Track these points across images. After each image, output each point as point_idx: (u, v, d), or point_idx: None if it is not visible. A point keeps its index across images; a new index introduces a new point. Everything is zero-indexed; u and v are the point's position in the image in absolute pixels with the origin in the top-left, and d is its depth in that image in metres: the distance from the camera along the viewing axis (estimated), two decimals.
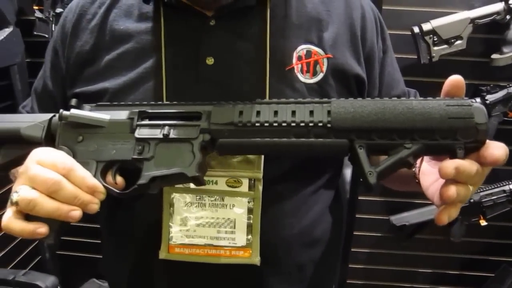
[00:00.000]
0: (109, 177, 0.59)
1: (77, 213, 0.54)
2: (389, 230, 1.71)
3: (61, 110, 0.62)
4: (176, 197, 0.68)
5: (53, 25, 1.51)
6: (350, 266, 1.78)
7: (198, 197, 0.68)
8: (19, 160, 0.62)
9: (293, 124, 0.56)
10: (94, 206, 0.55)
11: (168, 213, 0.68)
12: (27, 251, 1.79)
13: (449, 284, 1.80)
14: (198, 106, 0.60)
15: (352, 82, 0.73)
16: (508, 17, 1.42)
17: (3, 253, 1.64)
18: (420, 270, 1.80)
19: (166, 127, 0.59)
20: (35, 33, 1.55)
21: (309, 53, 0.71)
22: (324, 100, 0.57)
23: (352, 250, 1.75)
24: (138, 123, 0.60)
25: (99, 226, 0.83)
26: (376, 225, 1.74)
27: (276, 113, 0.57)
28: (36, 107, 0.82)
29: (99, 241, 0.87)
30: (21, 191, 0.53)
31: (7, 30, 1.51)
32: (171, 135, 0.59)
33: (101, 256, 0.85)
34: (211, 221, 0.68)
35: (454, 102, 0.53)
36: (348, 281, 1.82)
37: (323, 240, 0.78)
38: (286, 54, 0.71)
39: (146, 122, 0.61)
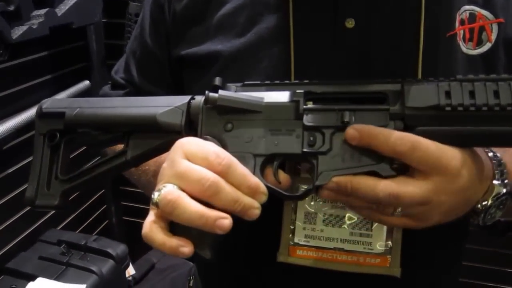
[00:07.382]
0: (270, 175, 0.48)
1: (226, 222, 0.41)
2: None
3: (207, 92, 0.49)
4: (301, 187, 0.56)
5: None
6: None
7: None
8: (152, 153, 0.52)
9: None
10: (255, 212, 0.43)
11: (290, 207, 0.57)
12: (95, 215, 1.78)
13: None
14: (379, 85, 0.47)
15: None
16: None
17: (72, 216, 1.63)
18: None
19: (347, 113, 0.46)
20: None
21: (472, 17, 0.56)
22: None
23: None
24: (306, 107, 0.48)
25: None
26: None
27: (496, 93, 0.43)
28: (135, 73, 0.71)
29: None
30: (164, 189, 0.42)
31: None
32: (353, 123, 0.46)
33: None
34: (344, 220, 0.56)
35: None
36: None
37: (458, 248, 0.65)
38: (447, 17, 0.56)
39: (316, 105, 0.48)
